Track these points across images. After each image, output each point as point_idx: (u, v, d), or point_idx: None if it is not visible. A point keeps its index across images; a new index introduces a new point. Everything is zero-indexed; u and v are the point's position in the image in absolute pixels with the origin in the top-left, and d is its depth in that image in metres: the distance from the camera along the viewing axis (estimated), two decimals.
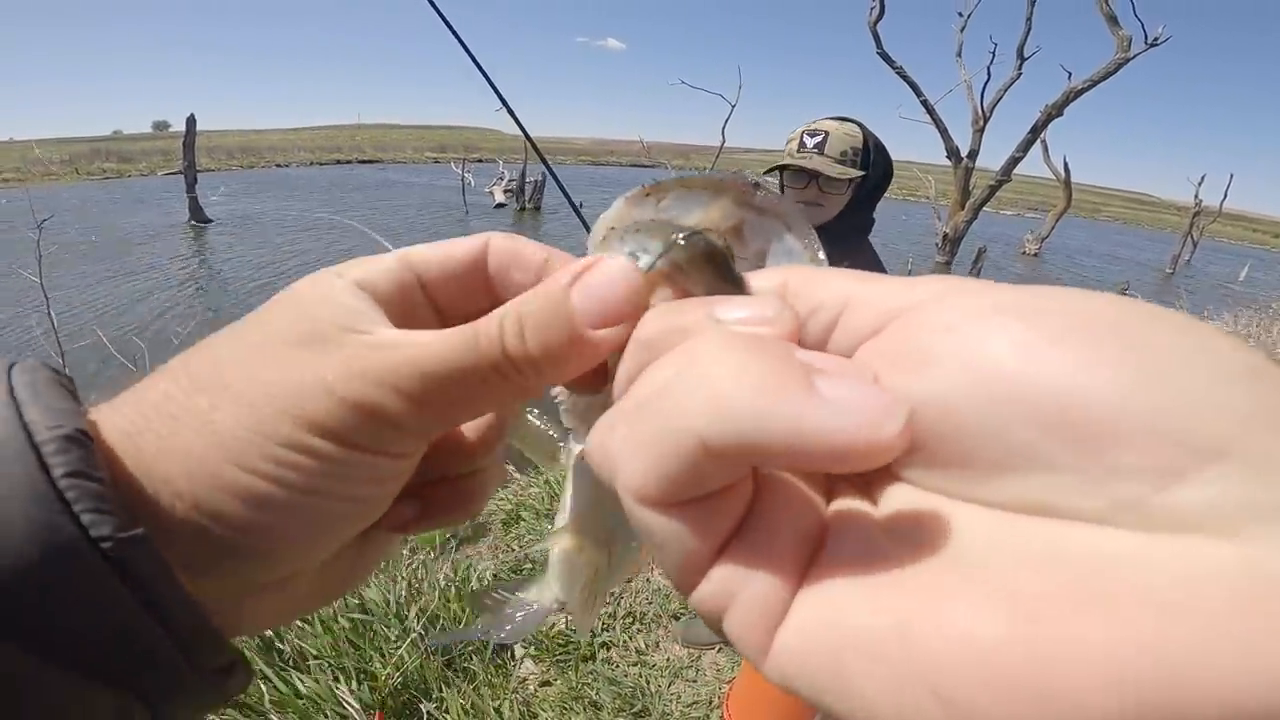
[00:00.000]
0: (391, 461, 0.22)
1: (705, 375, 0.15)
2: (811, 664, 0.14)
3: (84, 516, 0.17)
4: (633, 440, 0.15)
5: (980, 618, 0.12)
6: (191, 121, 17.07)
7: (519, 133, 2.04)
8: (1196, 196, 20.59)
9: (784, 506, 0.16)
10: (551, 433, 0.31)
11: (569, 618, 2.23)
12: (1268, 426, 0.11)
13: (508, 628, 0.36)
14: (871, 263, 1.83)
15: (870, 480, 0.16)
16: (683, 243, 0.21)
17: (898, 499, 0.15)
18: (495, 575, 2.76)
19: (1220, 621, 0.10)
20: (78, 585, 0.17)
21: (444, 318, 0.25)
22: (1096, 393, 0.12)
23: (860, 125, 1.81)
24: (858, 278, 0.18)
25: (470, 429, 0.27)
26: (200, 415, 0.20)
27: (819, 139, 1.77)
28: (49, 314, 3.92)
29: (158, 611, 0.18)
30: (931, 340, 0.15)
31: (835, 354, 0.18)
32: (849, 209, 1.79)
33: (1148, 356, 0.12)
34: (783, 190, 1.81)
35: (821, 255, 0.25)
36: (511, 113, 2.03)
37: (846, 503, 0.16)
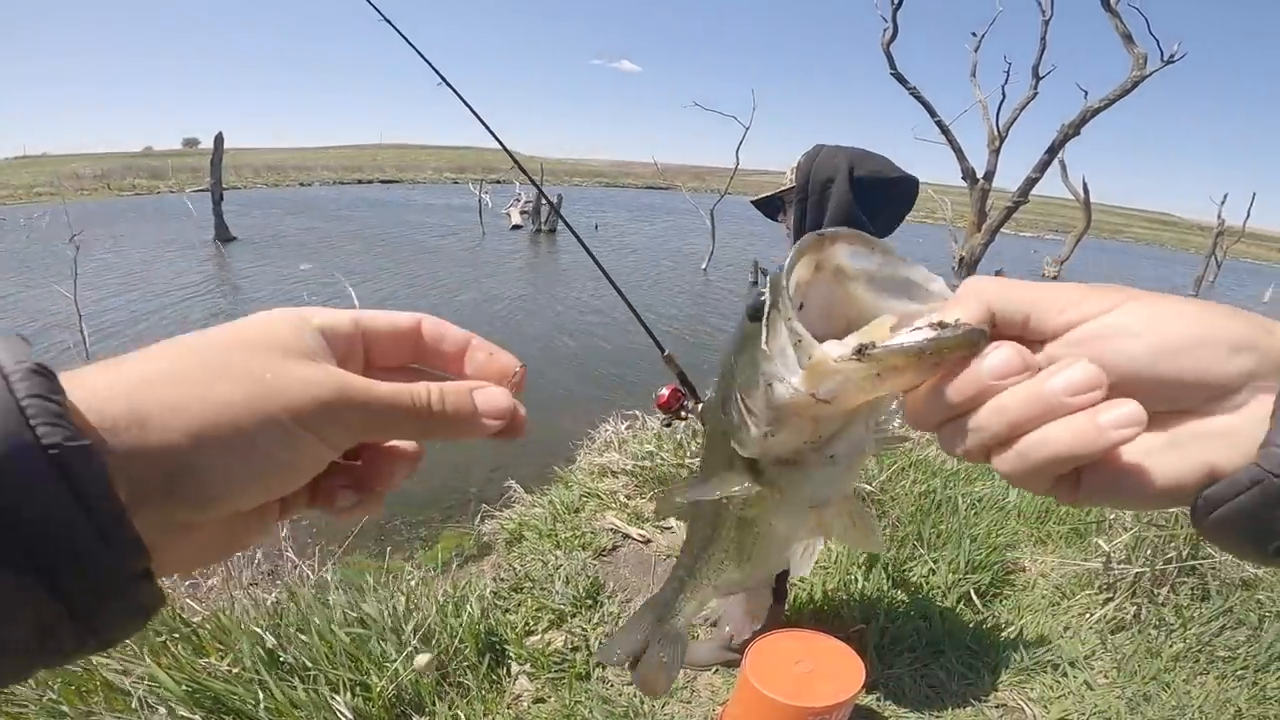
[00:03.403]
0: (325, 449, 0.30)
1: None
2: None
3: (39, 428, 0.22)
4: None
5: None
6: (219, 139, 17.51)
7: (535, 154, 2.12)
8: (1220, 216, 20.27)
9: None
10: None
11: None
12: (1253, 376, 0.30)
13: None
14: None
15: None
16: (954, 332, 0.32)
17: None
18: (495, 594, 2.76)
19: (1230, 438, 0.30)
20: (25, 476, 0.22)
21: (369, 369, 0.35)
22: (1178, 367, 0.30)
23: (822, 151, 1.88)
24: (1037, 287, 0.33)
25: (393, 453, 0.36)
26: (180, 363, 0.27)
27: None
28: (80, 329, 4.00)
29: (85, 503, 0.22)
30: (1106, 335, 0.31)
31: (1033, 338, 0.33)
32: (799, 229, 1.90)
33: (1204, 339, 0.30)
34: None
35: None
36: (512, 156, 2.11)
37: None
